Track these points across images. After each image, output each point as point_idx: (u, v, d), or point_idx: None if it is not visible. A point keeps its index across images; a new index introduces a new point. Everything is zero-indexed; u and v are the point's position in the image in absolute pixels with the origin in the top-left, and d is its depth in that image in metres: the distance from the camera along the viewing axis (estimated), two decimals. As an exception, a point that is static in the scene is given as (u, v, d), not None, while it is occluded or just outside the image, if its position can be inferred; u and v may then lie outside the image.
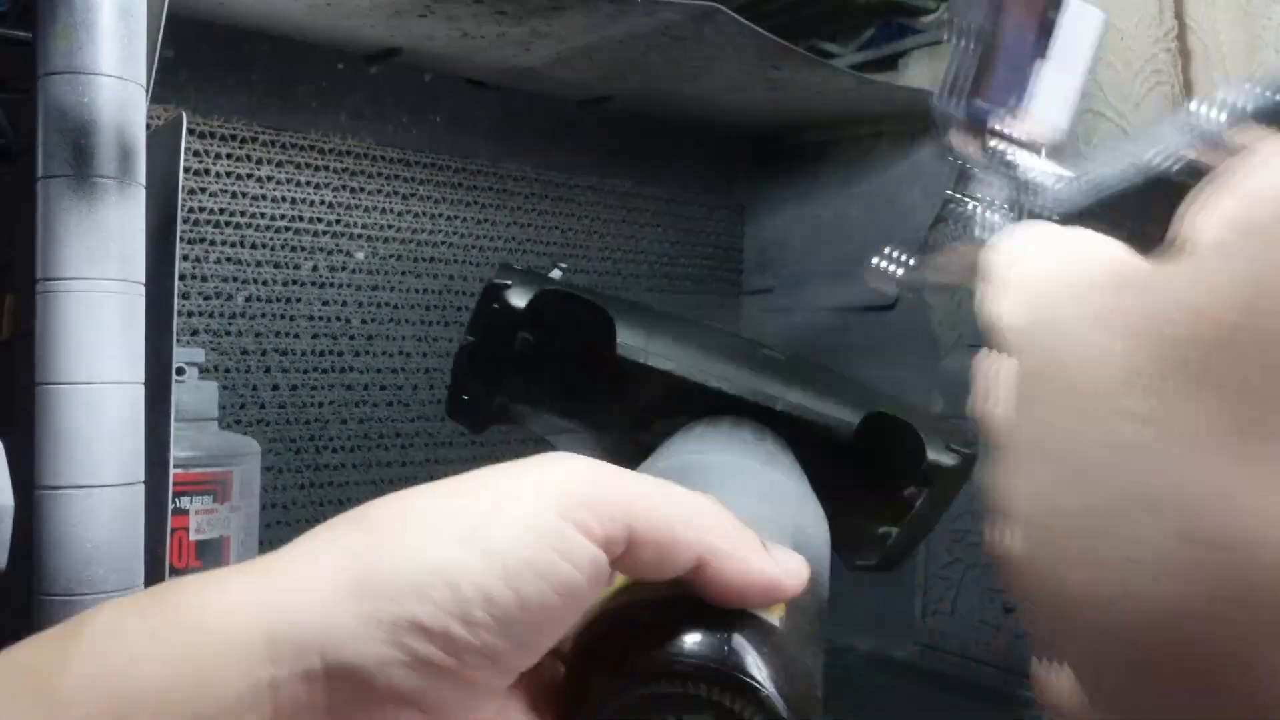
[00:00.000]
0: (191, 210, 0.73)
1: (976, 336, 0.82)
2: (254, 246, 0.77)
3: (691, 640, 0.25)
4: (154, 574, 0.44)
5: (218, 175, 0.75)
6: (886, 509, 0.44)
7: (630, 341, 0.40)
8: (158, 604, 0.22)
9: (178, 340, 0.47)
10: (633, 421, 0.46)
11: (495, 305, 0.43)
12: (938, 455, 0.40)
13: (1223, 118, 0.22)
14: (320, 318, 0.80)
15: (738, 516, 0.27)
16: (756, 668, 0.25)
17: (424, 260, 0.86)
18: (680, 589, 0.26)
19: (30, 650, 0.22)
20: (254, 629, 0.21)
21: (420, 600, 0.22)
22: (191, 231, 0.74)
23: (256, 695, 0.21)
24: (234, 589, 0.22)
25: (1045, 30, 0.32)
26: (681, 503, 0.26)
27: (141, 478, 0.43)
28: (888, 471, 0.42)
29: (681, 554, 0.25)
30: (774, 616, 0.27)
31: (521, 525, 0.23)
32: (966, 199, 0.33)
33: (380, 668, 0.21)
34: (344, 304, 0.81)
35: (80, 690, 0.20)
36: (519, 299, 0.42)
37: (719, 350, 0.41)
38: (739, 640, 0.25)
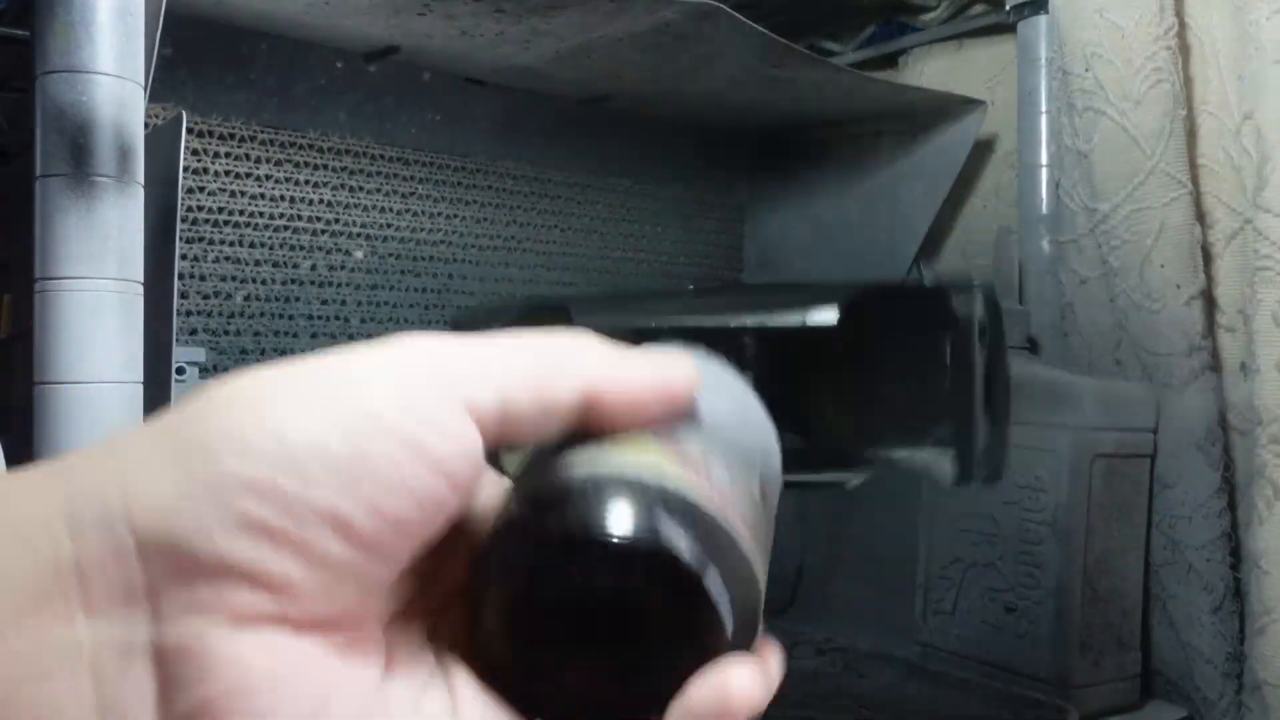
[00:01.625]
0: (190, 209, 0.73)
1: (977, 335, 0.82)
2: (253, 245, 0.76)
3: (614, 514, 0.21)
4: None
5: (216, 174, 0.75)
6: (920, 405, 0.39)
7: (586, 316, 0.37)
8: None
9: (176, 340, 0.47)
10: None
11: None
12: (960, 304, 0.35)
13: None
14: (319, 317, 0.80)
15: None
16: (689, 550, 0.21)
17: (423, 259, 0.86)
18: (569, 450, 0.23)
19: None
20: (49, 507, 0.18)
21: (238, 454, 0.18)
22: (190, 230, 0.73)
23: (60, 575, 0.18)
24: (30, 476, 0.19)
25: None
26: (548, 348, 0.23)
27: (140, 478, 0.43)
28: (896, 357, 0.38)
29: (561, 401, 0.22)
30: (701, 498, 0.23)
31: (380, 391, 0.20)
32: None
33: (200, 533, 0.18)
34: (343, 303, 0.81)
35: None
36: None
37: (677, 302, 0.39)
38: (664, 517, 0.21)
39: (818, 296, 0.37)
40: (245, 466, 0.18)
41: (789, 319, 0.37)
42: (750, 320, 0.37)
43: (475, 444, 0.21)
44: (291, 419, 0.19)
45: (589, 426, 0.23)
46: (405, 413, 0.20)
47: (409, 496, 0.20)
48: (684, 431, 0.25)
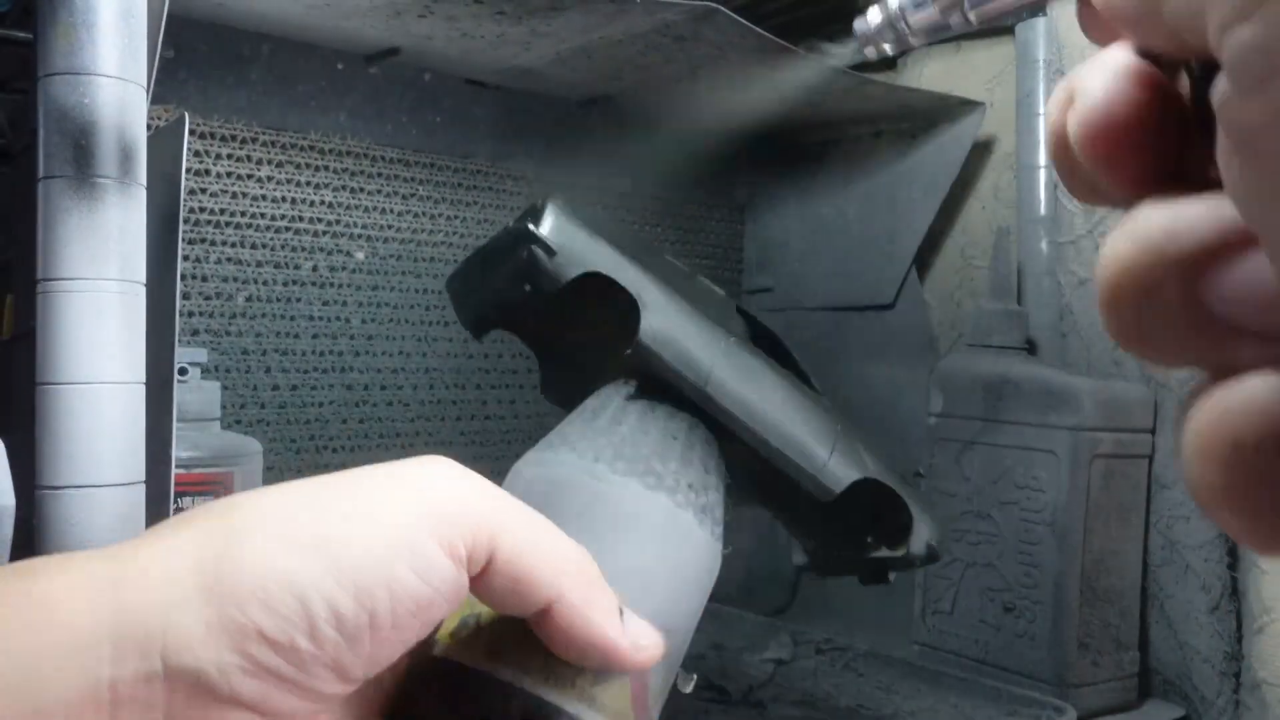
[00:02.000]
0: (192, 210, 0.73)
1: (976, 336, 0.82)
2: (254, 246, 0.77)
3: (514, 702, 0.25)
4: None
5: (218, 175, 0.75)
6: (848, 550, 0.42)
7: (651, 337, 0.37)
8: (5, 588, 0.22)
9: (179, 340, 0.47)
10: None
11: (524, 257, 0.39)
12: (916, 547, 0.39)
13: None
14: (320, 318, 0.80)
15: (595, 555, 0.27)
16: None
17: (424, 260, 0.86)
18: (522, 630, 0.26)
19: None
20: (100, 627, 0.21)
21: (266, 611, 0.21)
22: (192, 232, 0.74)
23: (96, 694, 0.20)
24: (82, 581, 0.21)
25: None
26: (547, 543, 0.25)
27: (142, 477, 0.43)
28: (859, 530, 0.41)
29: (533, 594, 0.25)
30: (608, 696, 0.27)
31: (381, 541, 0.23)
32: None
33: (221, 674, 0.21)
34: (344, 304, 0.81)
35: None
36: (555, 268, 0.39)
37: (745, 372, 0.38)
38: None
39: (850, 455, 0.39)
40: (269, 624, 0.21)
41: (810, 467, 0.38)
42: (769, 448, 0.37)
43: (462, 595, 0.24)
44: (313, 582, 0.22)
45: (539, 625, 0.26)
46: (419, 576, 0.23)
47: (403, 646, 0.24)
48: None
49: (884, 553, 0.38)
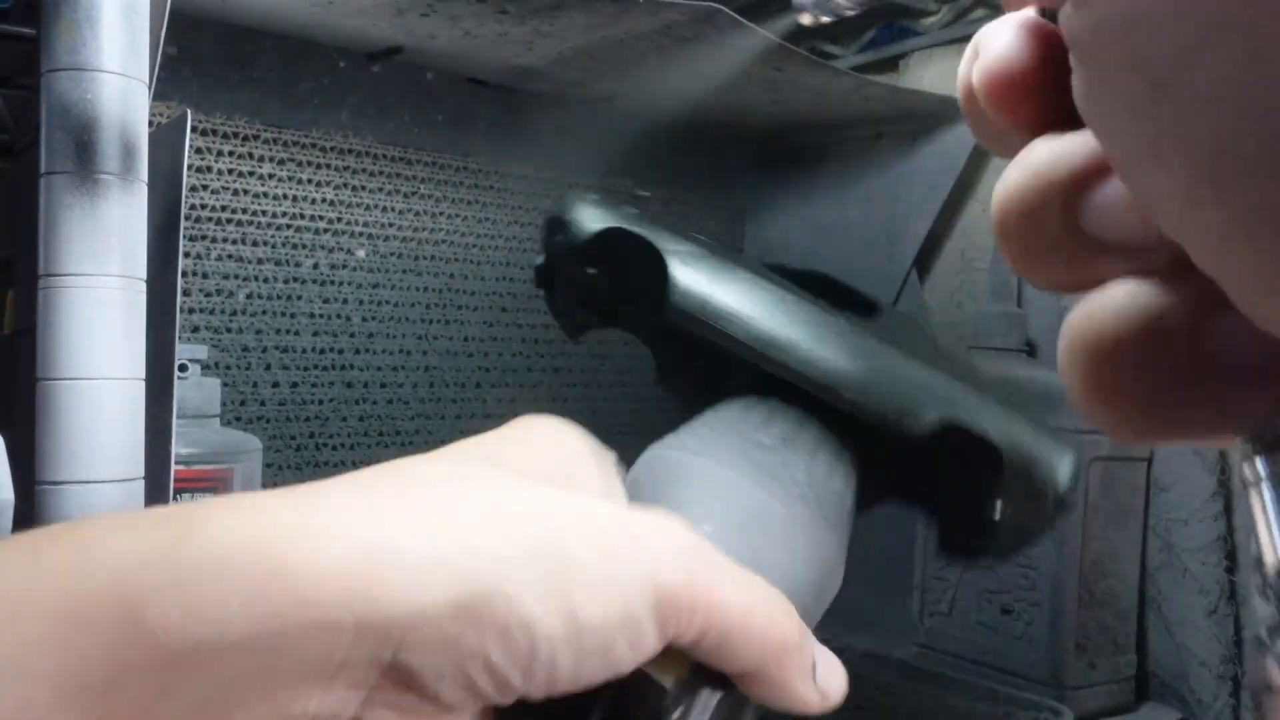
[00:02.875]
0: (193, 207, 0.74)
1: (975, 338, 0.82)
2: (255, 244, 0.77)
3: None
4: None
5: (220, 173, 0.75)
6: (967, 514, 0.39)
7: (685, 297, 0.35)
8: (253, 554, 0.22)
9: (179, 337, 0.47)
10: (687, 386, 0.42)
11: (558, 236, 0.36)
12: (1014, 498, 0.34)
13: None
14: (321, 315, 0.80)
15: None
16: None
17: (425, 258, 0.86)
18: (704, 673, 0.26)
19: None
20: (346, 611, 0.21)
21: (503, 641, 0.22)
22: (193, 229, 0.74)
23: (327, 670, 0.21)
24: (328, 557, 0.22)
25: None
26: (760, 620, 0.26)
27: (141, 473, 0.44)
28: (962, 486, 0.37)
29: (732, 666, 0.25)
30: None
31: (616, 611, 0.23)
32: None
33: (436, 681, 0.22)
34: (345, 302, 0.81)
35: (168, 613, 0.21)
36: (582, 231, 0.38)
37: (790, 319, 0.36)
38: None
39: (942, 393, 0.36)
40: (497, 655, 0.22)
41: (886, 407, 0.35)
42: (846, 395, 0.34)
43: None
44: (548, 635, 0.23)
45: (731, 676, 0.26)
46: (630, 646, 0.24)
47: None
48: None
49: (1006, 513, 0.34)
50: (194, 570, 0.21)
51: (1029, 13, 0.18)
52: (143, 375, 0.44)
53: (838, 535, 0.33)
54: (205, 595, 0.21)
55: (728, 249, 0.38)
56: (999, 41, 0.18)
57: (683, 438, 0.33)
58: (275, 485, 0.81)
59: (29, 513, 0.41)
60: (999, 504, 0.33)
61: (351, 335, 0.82)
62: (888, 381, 0.34)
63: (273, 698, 0.21)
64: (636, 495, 0.31)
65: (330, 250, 0.81)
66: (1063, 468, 0.34)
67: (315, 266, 0.80)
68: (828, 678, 0.27)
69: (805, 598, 0.31)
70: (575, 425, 0.30)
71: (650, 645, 0.24)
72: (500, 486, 0.25)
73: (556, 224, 0.36)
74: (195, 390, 0.59)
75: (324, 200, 0.80)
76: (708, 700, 0.26)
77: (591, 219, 0.37)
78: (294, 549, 0.22)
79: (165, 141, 0.47)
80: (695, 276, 0.36)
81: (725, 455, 0.32)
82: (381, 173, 0.83)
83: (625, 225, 0.36)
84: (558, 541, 0.24)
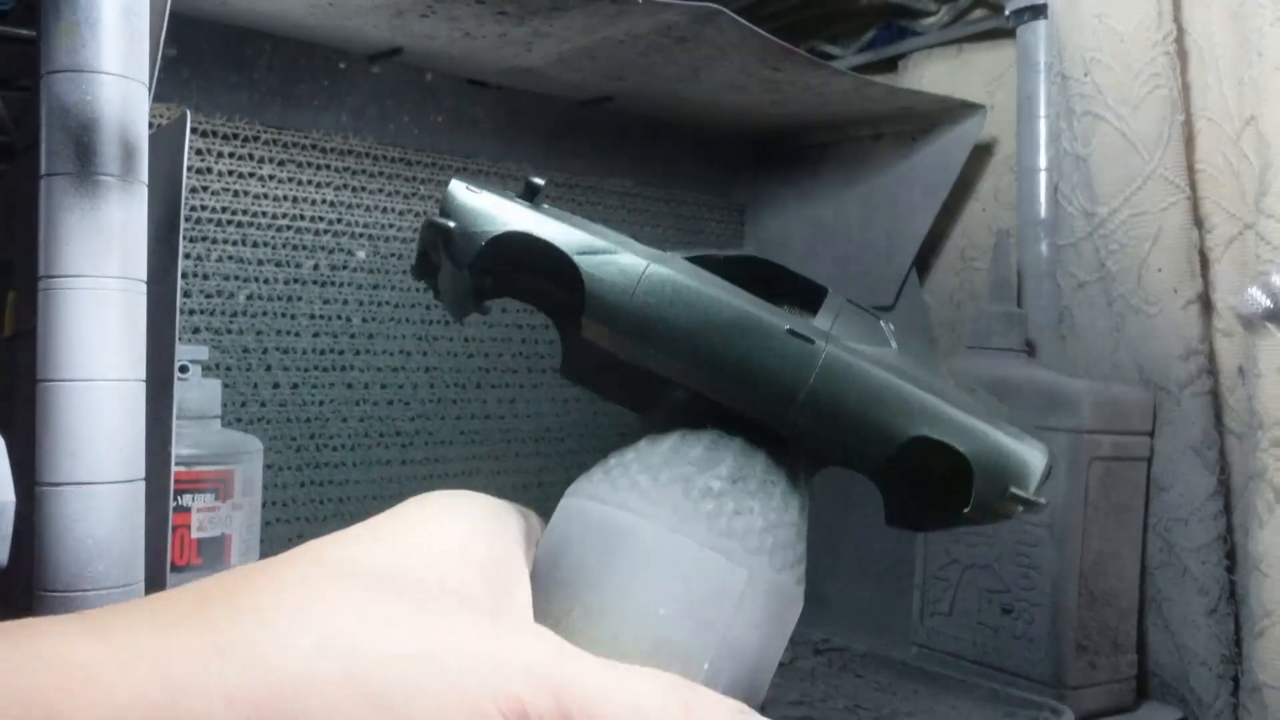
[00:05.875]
0: (193, 209, 0.74)
1: (975, 338, 0.83)
2: (255, 245, 0.77)
3: None
4: (155, 571, 0.45)
5: (220, 174, 0.75)
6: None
7: (606, 313, 0.31)
8: (30, 699, 0.21)
9: (180, 338, 0.47)
10: (617, 392, 0.36)
11: (441, 238, 0.32)
12: (986, 500, 0.31)
13: None
14: (321, 316, 0.80)
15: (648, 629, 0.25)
16: None
17: (424, 259, 0.86)
18: None
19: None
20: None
21: None
22: (193, 230, 0.74)
23: None
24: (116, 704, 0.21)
25: None
26: (626, 713, 0.24)
27: (142, 474, 0.44)
28: (925, 486, 0.34)
29: None
30: None
31: (451, 708, 0.22)
32: None
33: None
34: (345, 303, 0.81)
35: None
36: (470, 238, 0.31)
37: (726, 333, 0.31)
38: None
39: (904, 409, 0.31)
40: None
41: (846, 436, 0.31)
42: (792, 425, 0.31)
43: None
44: None
45: None
46: None
47: None
48: None
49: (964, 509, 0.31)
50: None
51: None
52: (143, 376, 0.44)
53: (795, 573, 0.30)
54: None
55: (629, 239, 0.32)
56: None
57: (618, 488, 0.29)
58: (275, 486, 0.81)
59: (30, 514, 0.41)
60: (967, 507, 0.31)
61: (352, 336, 0.82)
62: (840, 398, 0.30)
63: None
64: (564, 559, 0.28)
65: (330, 251, 0.81)
66: (1031, 471, 0.31)
67: (315, 267, 0.80)
68: None
69: (763, 660, 0.29)
70: (480, 498, 0.28)
71: None
72: (343, 619, 0.23)
73: (437, 227, 0.31)
74: (195, 391, 0.59)
75: (324, 201, 0.80)
76: None
77: (481, 221, 0.31)
78: (80, 695, 0.21)
79: (165, 143, 0.48)
80: (616, 289, 0.31)
81: (673, 513, 0.28)
82: (382, 174, 0.83)
83: (524, 230, 0.31)
84: (378, 631, 0.23)
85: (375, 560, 0.25)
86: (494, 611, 0.26)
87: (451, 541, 0.26)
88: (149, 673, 0.21)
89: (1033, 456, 0.31)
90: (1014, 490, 0.30)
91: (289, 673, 0.22)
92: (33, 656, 0.21)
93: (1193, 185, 0.77)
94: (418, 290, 0.85)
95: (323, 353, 0.80)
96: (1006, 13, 0.88)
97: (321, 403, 0.80)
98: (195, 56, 0.73)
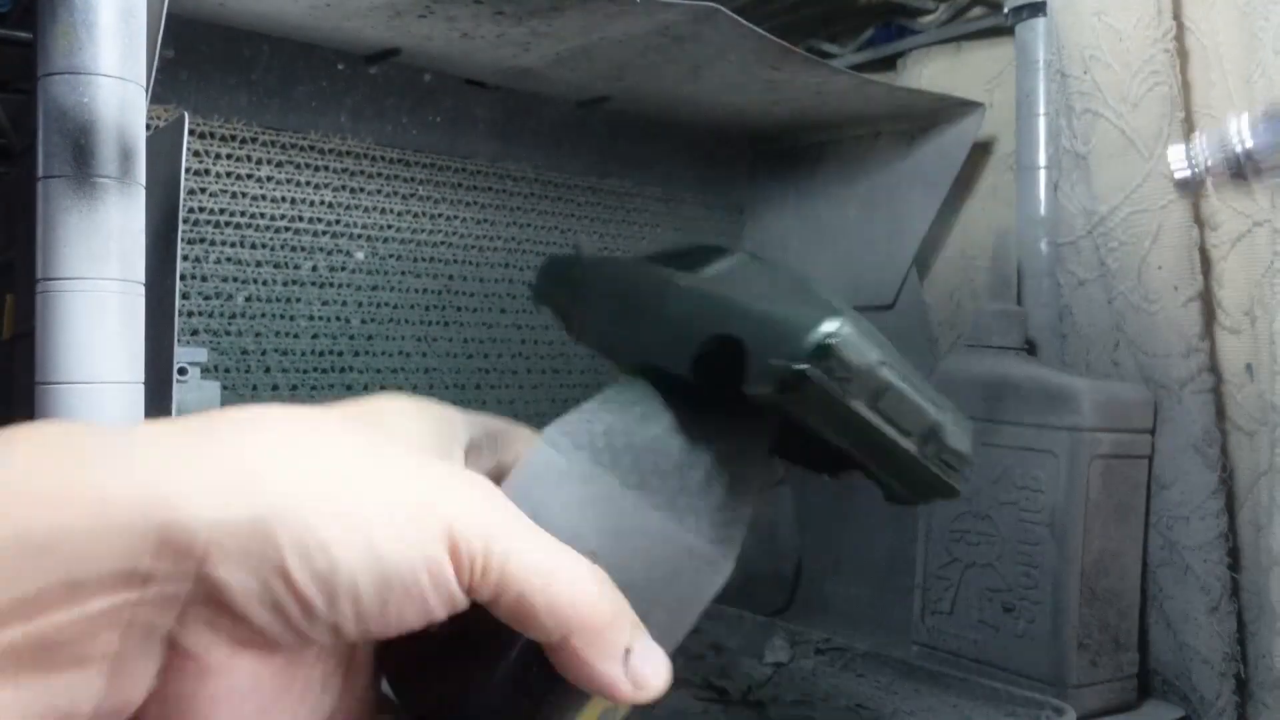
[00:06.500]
0: (191, 210, 0.73)
1: (975, 337, 0.82)
2: (254, 246, 0.77)
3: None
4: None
5: (218, 175, 0.75)
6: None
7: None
8: (57, 462, 0.23)
9: (178, 340, 0.47)
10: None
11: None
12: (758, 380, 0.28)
13: None
14: (320, 318, 0.80)
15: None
16: None
17: (423, 260, 0.86)
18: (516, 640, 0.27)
19: None
20: (150, 521, 0.22)
21: (302, 559, 0.23)
22: (191, 231, 0.74)
23: (128, 579, 0.22)
24: (141, 466, 0.23)
25: None
26: (562, 578, 0.26)
27: (142, 477, 0.43)
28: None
29: (536, 629, 0.26)
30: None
31: (411, 541, 0.24)
32: None
33: (244, 599, 0.23)
34: (344, 304, 0.81)
35: None
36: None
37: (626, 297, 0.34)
38: None
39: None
40: (300, 576, 0.23)
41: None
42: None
43: (459, 607, 0.25)
44: (347, 560, 0.24)
45: (546, 648, 0.26)
46: (431, 584, 0.24)
47: (398, 631, 0.25)
48: None
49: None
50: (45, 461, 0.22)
51: None
52: (142, 379, 0.44)
53: (725, 527, 0.30)
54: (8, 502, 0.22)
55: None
56: None
57: (575, 434, 0.31)
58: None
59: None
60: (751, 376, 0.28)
61: (351, 337, 0.82)
62: (683, 321, 0.31)
63: (82, 601, 0.22)
64: (518, 489, 0.30)
65: (329, 252, 0.81)
66: (797, 339, 0.28)
67: (314, 269, 0.80)
68: (642, 665, 0.27)
69: (671, 598, 0.30)
70: (439, 403, 0.31)
71: (448, 587, 0.25)
72: (315, 429, 0.26)
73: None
74: (195, 393, 0.59)
75: (322, 202, 0.80)
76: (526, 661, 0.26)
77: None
78: (100, 461, 0.23)
79: (163, 144, 0.47)
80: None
81: (591, 455, 0.30)
82: (380, 175, 0.83)
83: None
84: (360, 479, 0.25)
85: (357, 415, 0.29)
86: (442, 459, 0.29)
87: (419, 415, 0.30)
88: (155, 450, 0.24)
89: (806, 325, 0.28)
90: (774, 361, 0.28)
91: (260, 460, 0.24)
92: (62, 435, 0.23)
93: (1192, 183, 0.77)
94: (416, 291, 0.85)
95: (322, 354, 0.80)
96: (1005, 11, 0.88)
97: (321, 404, 0.80)
98: (193, 58, 0.73)
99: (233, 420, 0.25)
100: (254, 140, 0.76)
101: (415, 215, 0.85)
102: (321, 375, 0.80)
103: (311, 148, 0.79)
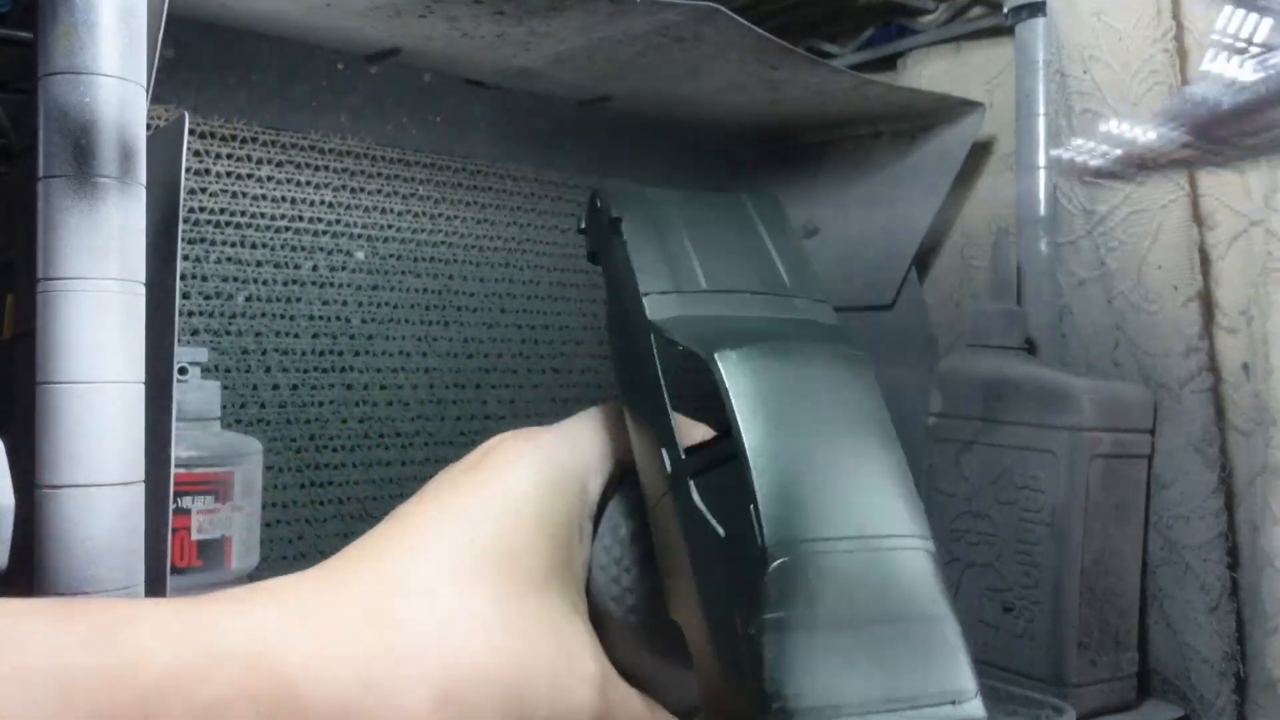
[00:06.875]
0: (191, 210, 0.73)
1: (975, 336, 0.82)
2: (254, 246, 0.77)
3: None
4: (155, 573, 0.45)
5: (218, 175, 0.75)
6: None
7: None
8: (255, 660, 0.23)
9: (179, 340, 0.47)
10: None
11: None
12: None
13: None
14: (320, 317, 0.80)
15: None
16: None
17: (424, 260, 0.86)
18: None
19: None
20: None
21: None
22: (191, 231, 0.74)
23: None
24: (328, 676, 0.24)
25: None
26: None
27: (142, 477, 0.43)
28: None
29: None
30: None
31: None
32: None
33: None
34: (344, 304, 0.81)
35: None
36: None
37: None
38: None
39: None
40: None
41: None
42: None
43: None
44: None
45: None
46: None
47: None
48: None
49: None
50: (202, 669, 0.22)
51: None
52: (142, 378, 0.44)
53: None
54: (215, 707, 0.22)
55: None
56: None
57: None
58: (275, 487, 0.80)
59: (29, 517, 0.41)
60: None
61: (351, 337, 0.82)
62: None
63: None
64: None
65: (329, 252, 0.81)
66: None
67: (314, 269, 0.80)
68: None
69: None
70: (546, 444, 0.32)
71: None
72: (473, 613, 0.28)
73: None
74: (195, 393, 0.59)
75: (322, 202, 0.80)
76: None
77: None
78: (295, 664, 0.23)
79: (163, 144, 0.47)
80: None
81: None
82: (380, 174, 0.83)
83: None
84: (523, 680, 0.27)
85: (477, 540, 0.30)
86: (560, 588, 0.30)
87: (529, 509, 0.31)
88: (345, 646, 0.25)
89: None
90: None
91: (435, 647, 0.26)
92: (228, 620, 0.24)
93: (1193, 182, 0.77)
94: (417, 291, 0.85)
95: (322, 354, 0.80)
96: (1005, 10, 0.88)
97: (321, 404, 0.80)
98: (193, 58, 0.73)
99: (400, 588, 0.28)
100: (254, 140, 0.76)
101: (415, 215, 0.85)
102: (321, 375, 0.80)
103: (311, 147, 0.79)
